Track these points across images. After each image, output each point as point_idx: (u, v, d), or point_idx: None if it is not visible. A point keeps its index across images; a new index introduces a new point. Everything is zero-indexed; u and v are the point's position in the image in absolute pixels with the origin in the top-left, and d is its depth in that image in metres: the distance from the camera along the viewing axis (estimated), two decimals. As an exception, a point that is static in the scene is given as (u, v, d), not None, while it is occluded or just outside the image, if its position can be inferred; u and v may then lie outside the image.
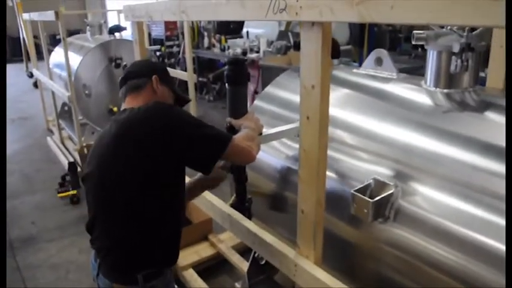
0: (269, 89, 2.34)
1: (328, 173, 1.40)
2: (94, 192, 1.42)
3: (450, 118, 1.55)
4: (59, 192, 4.14)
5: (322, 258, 1.44)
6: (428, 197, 1.35)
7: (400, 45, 7.12)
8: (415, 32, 1.64)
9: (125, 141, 1.33)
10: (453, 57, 1.57)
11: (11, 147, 5.75)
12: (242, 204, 1.89)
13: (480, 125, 1.46)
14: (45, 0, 6.53)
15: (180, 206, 1.51)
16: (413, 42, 1.68)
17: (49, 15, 3.99)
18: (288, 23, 6.69)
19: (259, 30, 7.32)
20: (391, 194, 1.41)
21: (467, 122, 1.49)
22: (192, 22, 9.21)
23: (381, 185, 1.45)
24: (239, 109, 1.73)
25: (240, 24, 8.18)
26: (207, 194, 1.93)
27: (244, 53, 6.90)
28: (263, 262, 2.44)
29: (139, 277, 1.39)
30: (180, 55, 8.33)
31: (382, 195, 1.40)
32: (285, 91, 2.23)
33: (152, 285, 1.42)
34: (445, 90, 1.63)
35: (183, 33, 7.77)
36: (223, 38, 7.82)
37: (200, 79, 7.95)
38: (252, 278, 2.44)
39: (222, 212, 1.83)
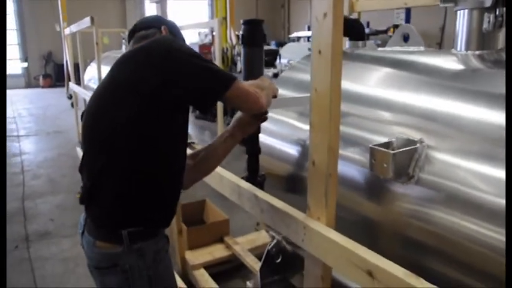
0: (285, 73, 2.25)
1: (343, 151, 1.28)
2: (85, 124, 1.30)
3: (478, 78, 1.40)
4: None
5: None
6: (450, 161, 1.20)
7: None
8: (443, -8, 1.54)
9: (124, 65, 1.24)
10: (485, 14, 1.44)
11: (42, 155, 5.92)
12: (254, 179, 1.77)
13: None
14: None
15: (178, 161, 1.33)
16: (440, 5, 1.57)
17: (86, 22, 4.15)
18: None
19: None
20: (415, 149, 1.26)
21: (497, 80, 1.33)
22: (227, 48, 9.46)
23: (404, 142, 1.31)
24: (254, 71, 1.66)
25: (274, 57, 8.54)
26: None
27: (276, 75, 6.95)
28: (278, 260, 2.26)
29: (124, 233, 1.21)
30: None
31: (404, 149, 1.25)
32: (300, 73, 2.13)
33: (139, 248, 1.24)
34: (477, 52, 1.49)
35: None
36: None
37: (230, 102, 8.04)
38: (264, 278, 2.26)
39: (231, 183, 1.70)
